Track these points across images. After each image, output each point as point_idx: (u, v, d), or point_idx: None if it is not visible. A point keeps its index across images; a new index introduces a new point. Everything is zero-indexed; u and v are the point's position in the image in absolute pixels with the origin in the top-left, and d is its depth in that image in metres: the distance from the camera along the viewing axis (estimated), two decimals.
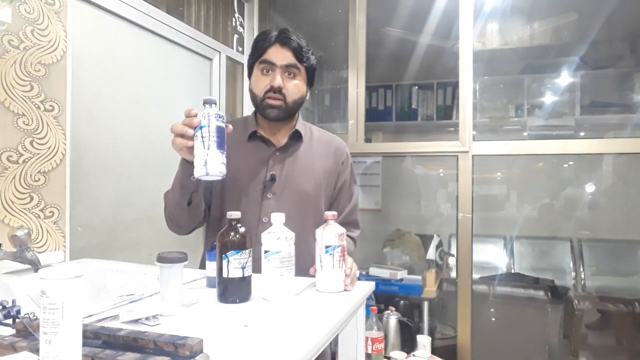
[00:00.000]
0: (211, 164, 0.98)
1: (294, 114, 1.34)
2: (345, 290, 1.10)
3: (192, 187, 1.16)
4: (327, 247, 1.07)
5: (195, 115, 1.01)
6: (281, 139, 1.35)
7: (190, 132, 1.01)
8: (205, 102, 1.01)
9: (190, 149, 1.02)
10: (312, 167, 1.35)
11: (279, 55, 1.27)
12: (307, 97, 1.37)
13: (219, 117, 1.00)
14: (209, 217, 1.34)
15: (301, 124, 1.38)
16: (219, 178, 1.01)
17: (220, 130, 0.99)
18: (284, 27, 1.32)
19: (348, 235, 1.40)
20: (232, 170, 1.29)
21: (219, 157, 0.99)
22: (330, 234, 1.08)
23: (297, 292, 1.06)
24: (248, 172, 1.30)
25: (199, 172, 0.99)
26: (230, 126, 1.06)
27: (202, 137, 0.98)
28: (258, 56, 1.30)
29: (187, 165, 1.10)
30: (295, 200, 1.29)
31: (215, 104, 1.02)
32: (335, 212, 1.12)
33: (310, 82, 1.36)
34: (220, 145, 0.99)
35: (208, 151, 0.98)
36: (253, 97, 1.32)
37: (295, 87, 1.29)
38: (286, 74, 1.28)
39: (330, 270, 1.07)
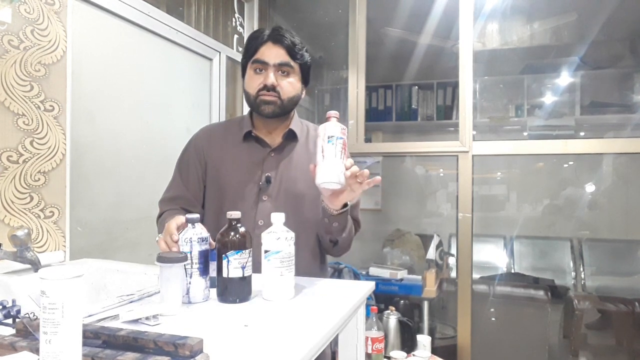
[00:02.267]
0: (194, 293, 0.97)
1: (289, 111, 1.32)
2: (358, 183, 1.06)
3: None
4: (329, 137, 1.03)
5: (177, 241, 0.99)
6: (276, 138, 1.33)
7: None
8: (188, 221, 0.99)
9: None
10: (308, 168, 1.34)
11: (271, 53, 1.25)
12: (303, 96, 1.35)
13: (202, 240, 0.98)
14: (205, 217, 1.33)
15: (297, 122, 1.36)
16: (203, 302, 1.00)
17: (203, 255, 0.98)
18: (276, 25, 1.30)
19: None
20: (227, 172, 1.29)
21: (202, 283, 0.97)
22: (333, 126, 1.04)
23: (297, 292, 1.06)
24: (243, 174, 1.29)
25: (180, 300, 0.95)
26: (213, 243, 1.03)
27: (184, 265, 0.95)
28: (250, 55, 1.28)
29: None
30: (292, 203, 1.28)
31: (199, 221, 1.00)
32: (336, 112, 1.09)
33: (305, 80, 1.34)
34: (203, 271, 0.98)
35: (190, 279, 0.96)
36: (247, 96, 1.30)
37: (289, 85, 1.27)
38: (279, 72, 1.26)
39: (333, 159, 1.03)
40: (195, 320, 0.87)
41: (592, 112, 3.27)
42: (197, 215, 1.00)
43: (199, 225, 0.99)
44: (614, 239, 3.17)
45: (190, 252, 0.96)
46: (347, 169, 1.06)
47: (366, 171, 1.08)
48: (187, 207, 1.30)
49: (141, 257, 1.78)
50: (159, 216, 1.31)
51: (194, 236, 0.97)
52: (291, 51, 1.27)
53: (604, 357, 2.77)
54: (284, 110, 1.29)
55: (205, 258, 0.99)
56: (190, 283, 0.96)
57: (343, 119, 3.23)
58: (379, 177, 1.12)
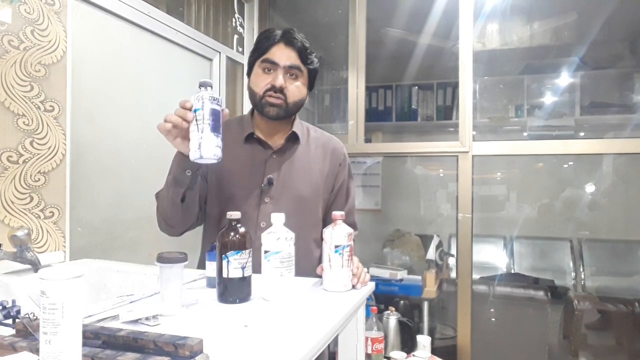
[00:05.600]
0: (205, 147, 0.97)
1: (293, 114, 1.32)
2: (353, 288, 1.11)
3: (186, 182, 1.14)
4: (336, 246, 1.08)
5: (190, 108, 0.99)
6: (278, 140, 1.32)
7: (185, 124, 1.00)
8: (201, 85, 1.00)
9: (184, 138, 1.02)
10: (309, 170, 1.33)
11: (282, 54, 1.25)
12: (307, 100, 1.35)
13: (214, 100, 0.98)
14: (207, 219, 1.32)
15: (298, 125, 1.36)
16: (215, 161, 1.00)
17: (214, 114, 0.98)
18: (288, 27, 1.29)
19: None
20: (228, 173, 1.28)
21: (214, 140, 0.98)
22: (339, 233, 1.09)
23: (297, 292, 1.06)
24: (245, 176, 1.28)
25: (193, 155, 0.98)
26: (227, 110, 1.03)
27: (196, 120, 0.97)
28: (260, 54, 1.27)
29: (182, 159, 1.09)
30: (293, 205, 1.27)
31: (211, 86, 1.00)
32: (343, 212, 1.12)
33: (310, 86, 1.34)
34: (214, 128, 0.98)
35: (202, 134, 0.97)
36: (252, 95, 1.29)
37: (296, 89, 1.27)
38: (288, 74, 1.25)
39: (339, 270, 1.08)
40: (195, 320, 0.87)
41: (592, 113, 3.27)
42: (210, 81, 1.01)
43: (210, 90, 1.00)
44: (614, 239, 3.17)
45: (202, 109, 0.97)
46: (354, 275, 1.12)
47: (367, 277, 1.16)
48: None
49: (141, 257, 1.78)
50: (158, 193, 1.27)
51: (205, 94, 0.98)
52: (302, 55, 1.26)
53: (604, 358, 2.77)
54: (288, 113, 1.28)
55: (216, 116, 0.98)
56: (202, 138, 0.96)
57: (343, 119, 3.24)
58: (368, 278, 1.17)
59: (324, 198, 1.36)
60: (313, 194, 1.32)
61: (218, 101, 0.99)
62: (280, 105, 1.25)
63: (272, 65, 1.25)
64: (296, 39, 1.26)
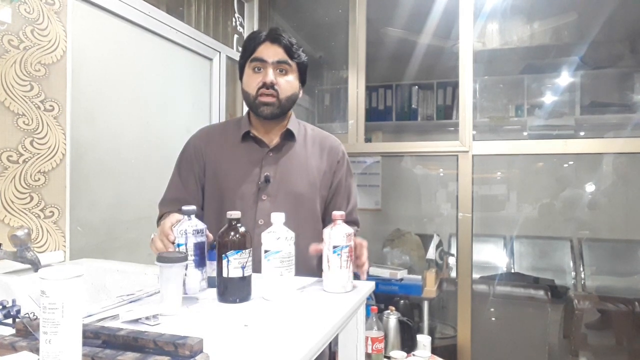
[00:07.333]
0: (190, 285, 0.98)
1: (287, 111, 1.34)
2: (356, 283, 1.12)
3: None
4: (334, 247, 1.08)
5: (173, 242, 1.00)
6: (274, 138, 1.34)
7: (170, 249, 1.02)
8: (184, 213, 0.99)
9: None
10: (306, 167, 1.34)
11: (269, 52, 1.28)
12: (301, 95, 1.36)
13: (197, 232, 0.99)
14: (206, 218, 1.32)
15: (294, 123, 1.37)
16: (198, 294, 1.01)
17: (198, 247, 0.99)
18: (273, 27, 1.33)
19: None
20: (226, 172, 1.30)
21: (198, 275, 0.99)
22: (338, 234, 1.08)
23: (297, 290, 1.06)
24: (242, 174, 1.29)
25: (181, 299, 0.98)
26: (211, 236, 1.04)
27: None
28: (248, 55, 1.30)
29: None
30: (291, 202, 1.28)
31: (194, 213, 1.01)
32: (343, 212, 1.12)
33: (302, 80, 1.35)
34: (199, 263, 0.99)
35: (186, 271, 0.97)
36: (246, 96, 1.31)
37: (287, 84, 1.29)
38: (278, 70, 1.28)
39: (338, 271, 1.08)
40: (195, 320, 0.87)
41: (592, 112, 3.27)
42: (193, 207, 1.01)
43: (193, 218, 1.00)
44: (614, 239, 3.17)
45: (186, 244, 0.97)
46: (360, 269, 1.15)
47: (366, 269, 1.20)
48: None
49: (141, 257, 1.78)
50: (159, 218, 1.32)
51: (189, 228, 0.98)
52: (289, 50, 1.29)
53: (604, 357, 2.77)
54: (282, 110, 1.30)
55: (201, 250, 0.99)
56: (186, 275, 0.97)
57: (343, 118, 3.24)
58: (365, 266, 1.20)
59: (321, 195, 1.36)
60: (310, 191, 1.33)
61: (202, 232, 1.00)
62: (273, 103, 1.27)
63: (261, 63, 1.28)
64: (282, 36, 1.29)
